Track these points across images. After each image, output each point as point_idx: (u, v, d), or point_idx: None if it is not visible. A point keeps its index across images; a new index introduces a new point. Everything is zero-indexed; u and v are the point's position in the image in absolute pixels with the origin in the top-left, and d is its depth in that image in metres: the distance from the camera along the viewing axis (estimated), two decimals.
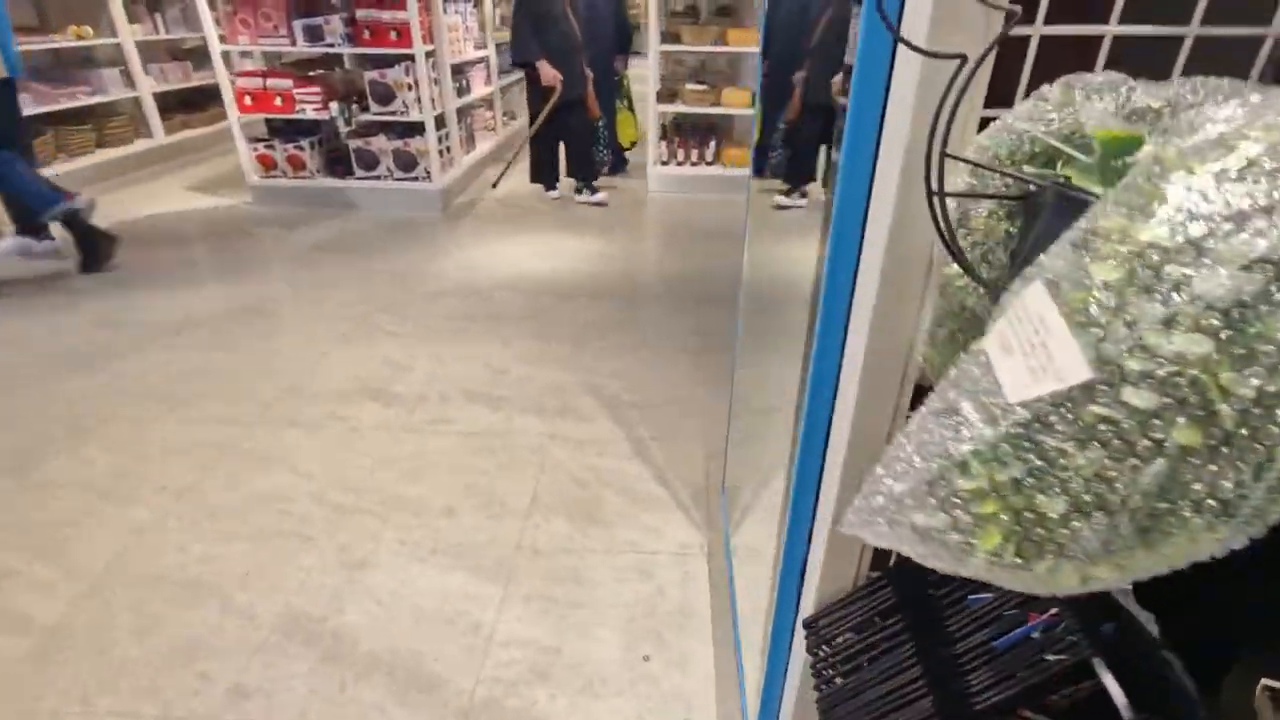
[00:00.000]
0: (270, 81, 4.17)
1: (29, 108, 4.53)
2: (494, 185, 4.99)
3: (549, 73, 4.13)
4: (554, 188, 4.75)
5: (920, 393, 0.68)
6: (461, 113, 4.94)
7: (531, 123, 4.43)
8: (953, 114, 0.46)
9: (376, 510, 1.91)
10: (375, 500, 1.94)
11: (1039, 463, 0.27)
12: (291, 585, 1.67)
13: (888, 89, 0.58)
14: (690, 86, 4.81)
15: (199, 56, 6.25)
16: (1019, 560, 0.29)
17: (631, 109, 5.39)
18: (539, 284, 3.38)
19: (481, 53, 5.38)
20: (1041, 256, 0.31)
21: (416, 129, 4.32)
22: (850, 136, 0.62)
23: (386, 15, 3.98)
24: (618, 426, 2.30)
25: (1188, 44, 0.50)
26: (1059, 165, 0.47)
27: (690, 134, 5.04)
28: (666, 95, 4.82)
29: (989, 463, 0.29)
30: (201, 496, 1.95)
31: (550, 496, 1.97)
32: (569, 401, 2.43)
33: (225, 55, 4.21)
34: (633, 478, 2.06)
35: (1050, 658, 0.56)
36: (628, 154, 5.46)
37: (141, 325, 2.91)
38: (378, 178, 4.45)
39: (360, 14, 4.02)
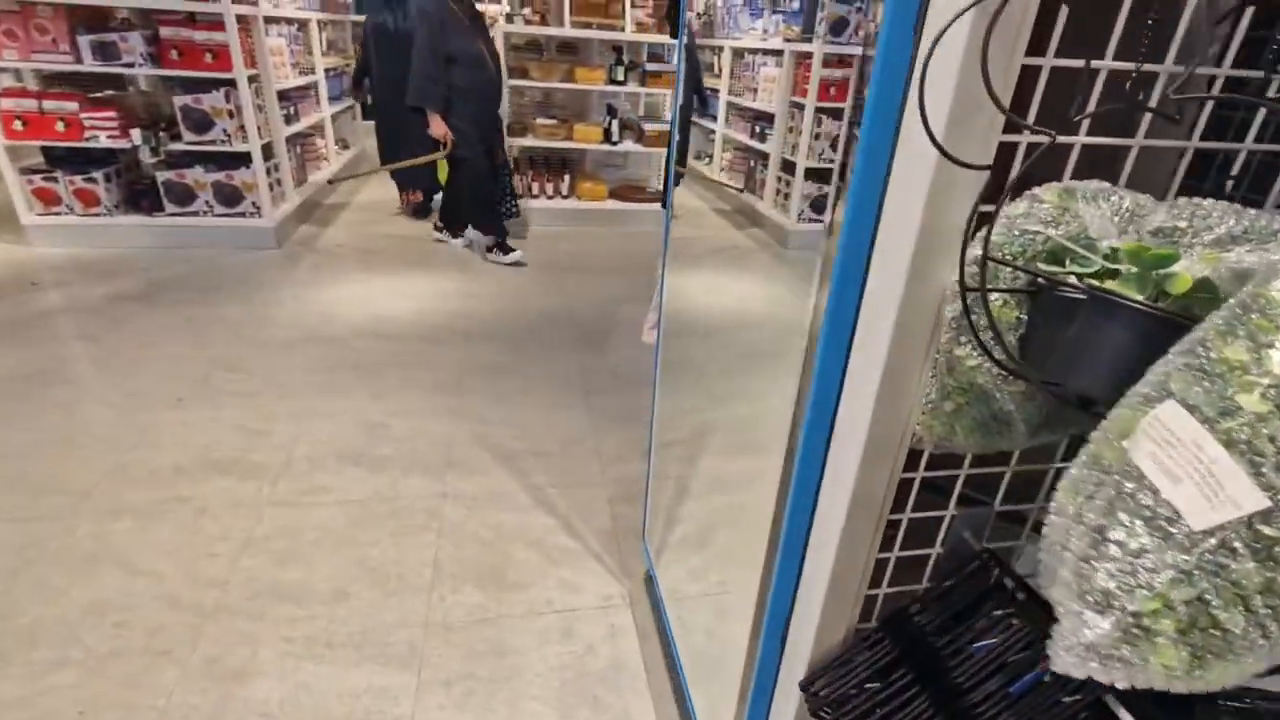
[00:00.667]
0: (50, 104, 3.54)
1: None
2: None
3: (440, 128, 3.75)
4: (460, 236, 4.40)
5: (913, 457, 0.72)
6: (291, 141, 4.53)
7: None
8: (983, 218, 0.50)
9: (248, 606, 1.65)
10: (245, 594, 1.69)
11: (1222, 582, 0.30)
12: (148, 718, 1.39)
13: (888, 173, 0.61)
14: (541, 121, 4.81)
15: None
16: (1196, 672, 0.31)
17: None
18: (404, 328, 3.17)
19: (309, 78, 4.99)
20: (1153, 376, 0.35)
21: (241, 159, 3.88)
22: (853, 210, 0.65)
23: (200, 35, 3.56)
24: (513, 477, 2.21)
25: (1132, 155, 0.59)
26: (1066, 263, 0.52)
27: (543, 168, 5.04)
28: (518, 129, 4.78)
29: (1178, 585, 0.31)
30: (3, 619, 1.57)
31: (454, 563, 1.84)
32: (457, 454, 2.29)
33: None
34: (539, 530, 1.98)
35: (1066, 699, 0.61)
36: None
37: None
38: (195, 213, 3.93)
39: (166, 32, 3.56)
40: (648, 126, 4.90)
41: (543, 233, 4.78)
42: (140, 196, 3.91)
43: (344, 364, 2.79)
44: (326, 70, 5.31)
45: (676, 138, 1.47)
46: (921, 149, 0.55)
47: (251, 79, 3.77)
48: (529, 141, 4.79)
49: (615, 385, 2.82)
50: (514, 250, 4.12)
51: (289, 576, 1.75)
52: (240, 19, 3.63)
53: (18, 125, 3.54)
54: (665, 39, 4.85)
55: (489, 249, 4.18)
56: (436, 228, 4.48)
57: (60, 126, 3.58)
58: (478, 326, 3.25)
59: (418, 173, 4.49)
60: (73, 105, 3.58)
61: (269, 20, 4.18)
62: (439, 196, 4.49)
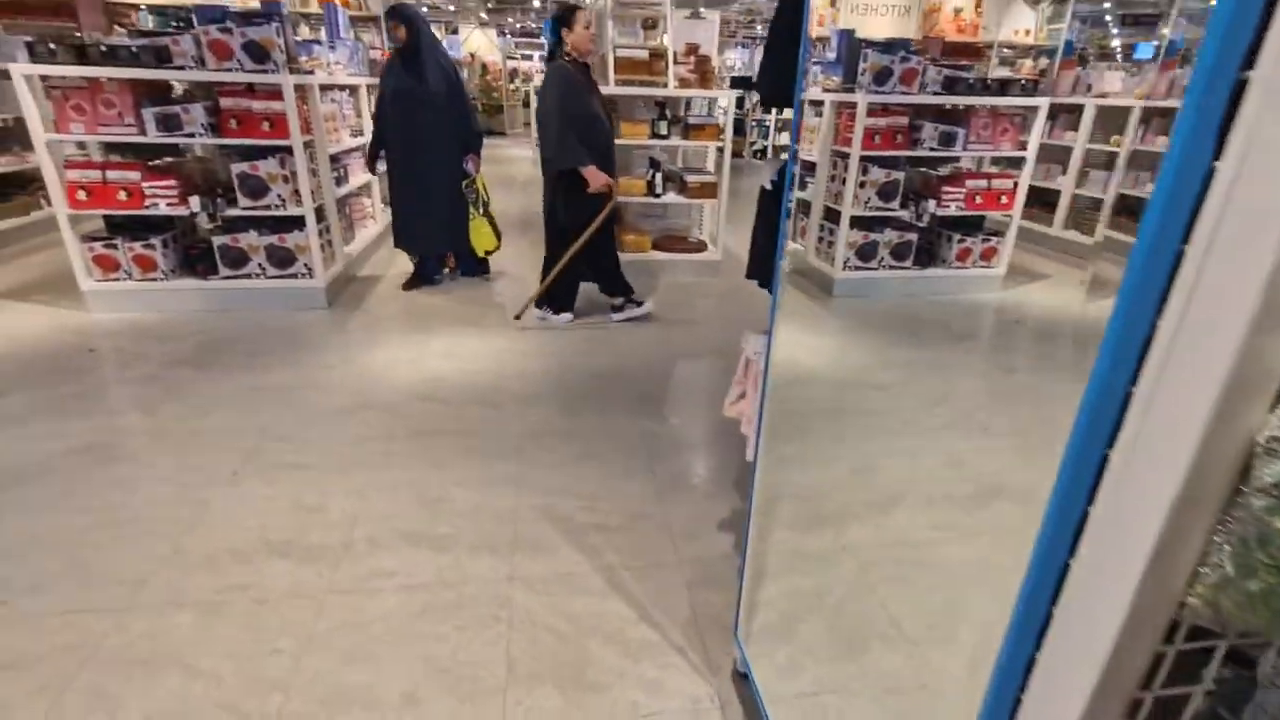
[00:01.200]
0: (113, 174, 3.63)
1: None
2: (517, 317, 4.03)
3: (600, 178, 3.55)
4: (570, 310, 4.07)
5: (1181, 632, 0.58)
6: (340, 202, 4.60)
7: (572, 235, 3.72)
8: None
9: (316, 714, 1.53)
10: (310, 699, 1.57)
11: None
12: None
13: (1178, 260, 0.49)
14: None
15: (6, 139, 5.41)
16: None
17: (489, 214, 4.43)
18: (457, 390, 3.10)
19: (359, 139, 5.10)
20: None
21: (294, 223, 3.93)
22: (1130, 297, 0.53)
23: (259, 105, 3.64)
24: (583, 556, 2.07)
25: None
26: None
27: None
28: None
29: None
30: None
31: (528, 659, 1.70)
32: (523, 531, 2.17)
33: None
34: (615, 620, 1.84)
35: None
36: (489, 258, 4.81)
37: None
38: (248, 275, 3.96)
39: (226, 103, 3.64)
40: (690, 178, 4.88)
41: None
42: (195, 261, 3.96)
43: (398, 431, 2.72)
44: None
45: (789, 205, 1.31)
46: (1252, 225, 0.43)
47: (306, 144, 3.84)
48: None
49: (677, 450, 2.70)
50: (645, 300, 4.06)
51: (355, 679, 1.62)
52: (297, 88, 3.70)
53: (81, 195, 3.62)
54: (707, 93, 4.86)
55: (617, 307, 4.05)
56: (538, 306, 4.03)
57: (122, 195, 3.66)
58: (531, 388, 3.17)
59: (438, 234, 4.46)
60: (134, 174, 3.66)
61: (323, 87, 4.28)
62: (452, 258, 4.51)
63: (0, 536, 2.05)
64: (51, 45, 3.35)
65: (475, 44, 21.26)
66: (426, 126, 4.11)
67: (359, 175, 5.08)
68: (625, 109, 5.05)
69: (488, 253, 4.51)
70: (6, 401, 2.84)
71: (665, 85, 4.58)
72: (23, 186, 5.51)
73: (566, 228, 3.69)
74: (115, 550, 2.01)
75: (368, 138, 5.27)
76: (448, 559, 2.03)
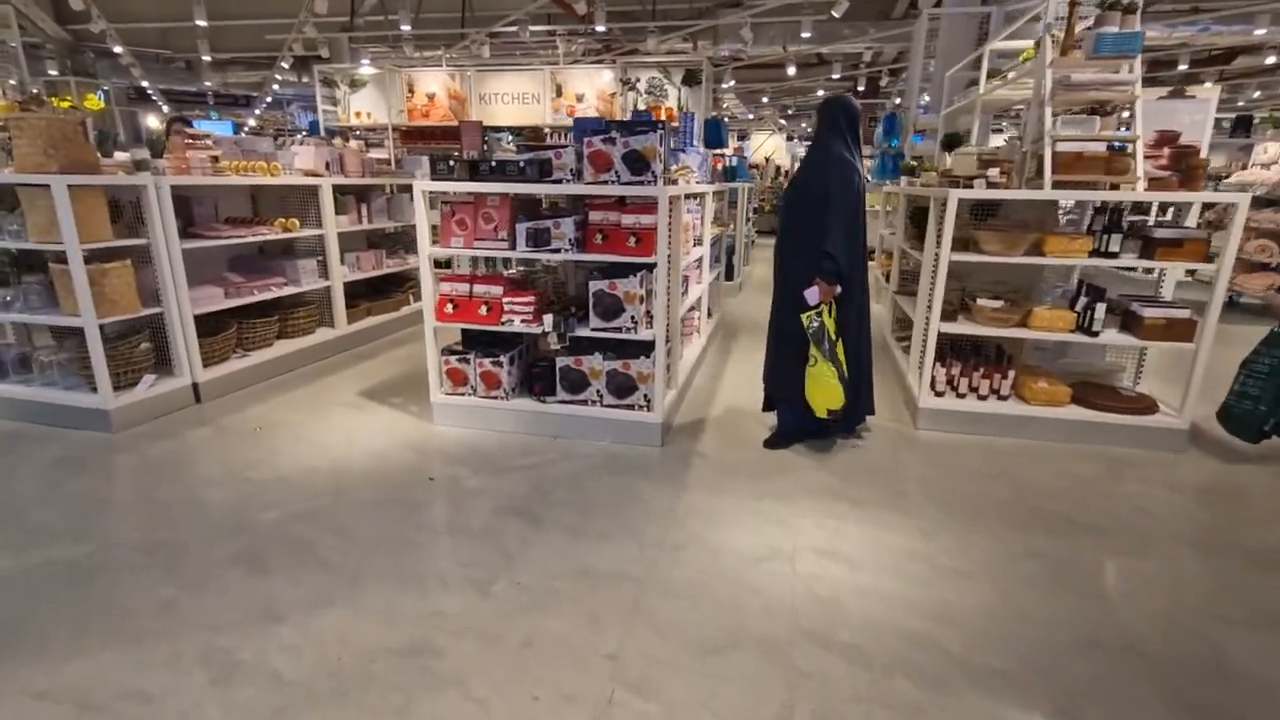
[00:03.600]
0: (480, 288, 3.48)
1: (220, 302, 4.13)
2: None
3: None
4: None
5: None
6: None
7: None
8: None
9: None
10: None
11: None
12: None
13: None
14: (984, 302, 3.68)
15: (390, 241, 6.06)
16: None
17: (837, 358, 3.23)
18: (861, 630, 2.08)
19: (699, 250, 4.64)
20: None
21: (641, 348, 3.41)
22: None
23: (628, 219, 3.24)
24: None
25: None
26: None
27: (971, 356, 3.85)
28: (948, 311, 3.71)
29: None
30: None
31: None
32: None
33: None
34: None
35: None
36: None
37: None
38: (584, 402, 3.52)
39: (595, 217, 3.31)
40: (1148, 312, 3.43)
41: (971, 442, 3.50)
42: (534, 380, 3.65)
43: (795, 700, 1.77)
44: (711, 241, 4.98)
45: None
46: None
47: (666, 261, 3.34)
48: (960, 327, 3.66)
49: None
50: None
51: None
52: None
53: (449, 308, 3.52)
54: (1191, 196, 3.45)
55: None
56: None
57: (483, 310, 3.48)
58: (979, 644, 2.03)
59: (772, 373, 3.63)
60: (497, 289, 3.47)
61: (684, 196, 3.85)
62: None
63: None
64: (450, 161, 3.32)
65: (769, 148, 21.72)
66: (786, 236, 3.39)
67: (694, 289, 4.58)
68: (1046, 218, 3.85)
69: (831, 413, 3.31)
70: (333, 543, 2.55)
71: (1133, 186, 3.30)
72: (399, 285, 6.11)
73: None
74: None
75: (705, 249, 4.81)
76: None
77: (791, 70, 11.39)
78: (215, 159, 4.35)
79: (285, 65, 11.73)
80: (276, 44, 11.27)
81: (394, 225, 5.84)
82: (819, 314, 3.20)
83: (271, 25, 11.21)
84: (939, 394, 3.77)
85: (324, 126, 10.89)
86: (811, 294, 3.19)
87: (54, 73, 13.12)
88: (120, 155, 3.92)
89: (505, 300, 3.44)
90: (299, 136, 8.99)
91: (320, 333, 5.08)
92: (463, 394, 3.66)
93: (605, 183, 3.21)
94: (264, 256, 4.90)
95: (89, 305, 3.34)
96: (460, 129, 7.65)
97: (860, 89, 14.81)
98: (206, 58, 12.34)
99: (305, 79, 13.25)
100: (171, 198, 3.71)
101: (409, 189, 6.20)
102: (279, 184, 4.59)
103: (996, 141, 8.36)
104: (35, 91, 8.78)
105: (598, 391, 3.50)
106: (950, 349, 3.85)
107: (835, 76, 12.60)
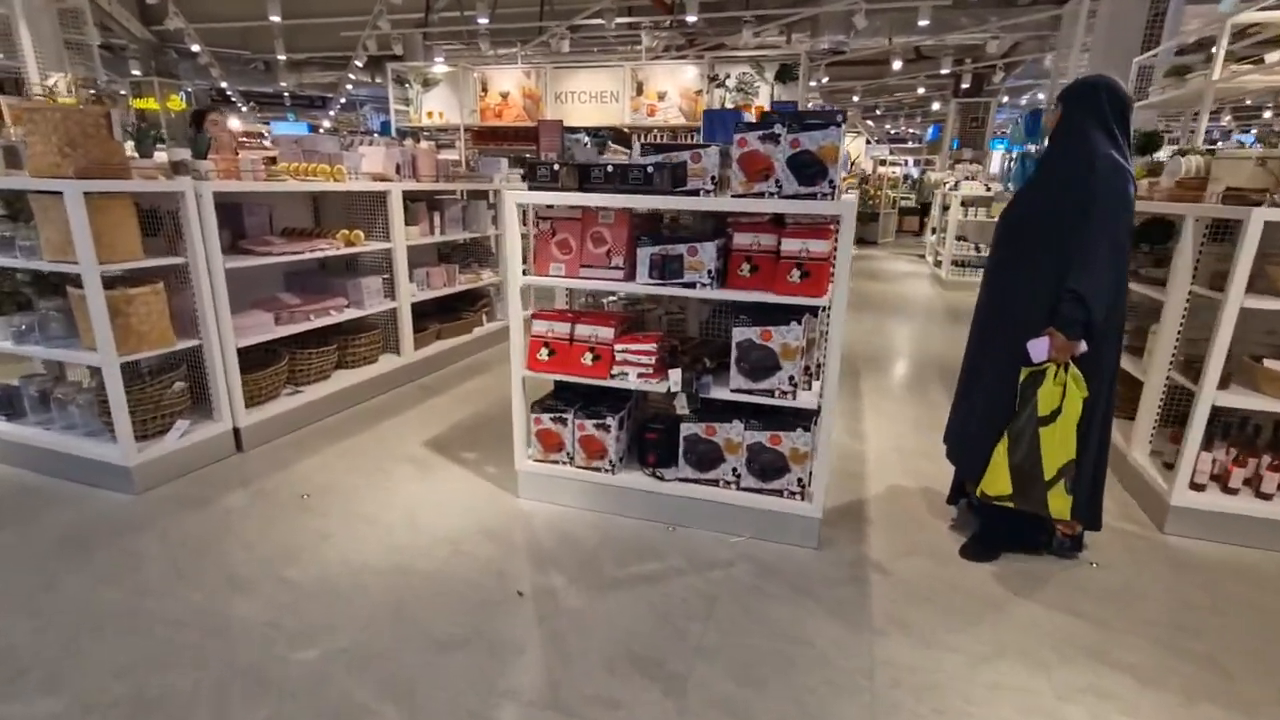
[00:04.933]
0: (584, 329, 2.68)
1: (270, 330, 3.48)
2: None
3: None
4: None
5: None
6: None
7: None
8: None
9: None
10: None
11: None
12: None
13: None
14: (1271, 364, 2.65)
15: (461, 254, 5.37)
16: None
17: (1033, 435, 2.34)
18: None
19: None
20: None
21: (798, 418, 2.54)
22: None
23: (790, 245, 2.37)
24: None
25: None
26: None
27: (1248, 436, 2.82)
28: (1222, 376, 2.69)
29: None
30: None
31: None
32: None
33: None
34: None
35: None
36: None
37: None
38: (714, 483, 2.68)
39: (741, 240, 2.46)
40: None
41: (1236, 567, 2.48)
42: (647, 448, 2.82)
43: None
44: None
45: None
46: None
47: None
48: (1243, 398, 2.64)
49: None
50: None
51: None
52: (835, 220, 2.37)
53: (543, 354, 2.73)
54: None
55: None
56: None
57: (588, 359, 2.68)
58: None
59: (954, 440, 2.66)
60: (607, 332, 2.66)
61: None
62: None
63: None
64: (552, 164, 2.53)
65: (852, 151, 20.50)
66: (1005, 265, 2.45)
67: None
68: None
69: (984, 495, 2.42)
70: (393, 718, 1.77)
71: None
72: (471, 303, 5.41)
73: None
74: None
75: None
76: None
77: (897, 65, 10.28)
78: (271, 160, 3.71)
79: (359, 64, 11.39)
80: (351, 42, 10.92)
81: (467, 235, 5.14)
82: (1042, 373, 2.27)
83: (347, 23, 10.86)
84: (1198, 487, 2.76)
85: (395, 126, 10.46)
86: (1038, 348, 2.26)
87: (137, 73, 13.21)
88: (160, 156, 3.31)
89: (618, 347, 2.63)
90: (370, 137, 8.50)
91: (383, 361, 4.41)
92: (556, 461, 2.86)
93: (765, 194, 2.35)
94: (325, 273, 4.26)
95: (108, 339, 2.71)
96: (539, 128, 6.91)
97: (965, 86, 13.51)
98: (281, 57, 12.14)
99: (379, 79, 12.95)
100: (215, 207, 3.07)
101: (484, 195, 5.50)
102: (344, 190, 3.92)
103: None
104: (105, 85, 8.56)
105: (734, 470, 2.64)
106: (1215, 425, 2.82)
107: (945, 72, 11.39)
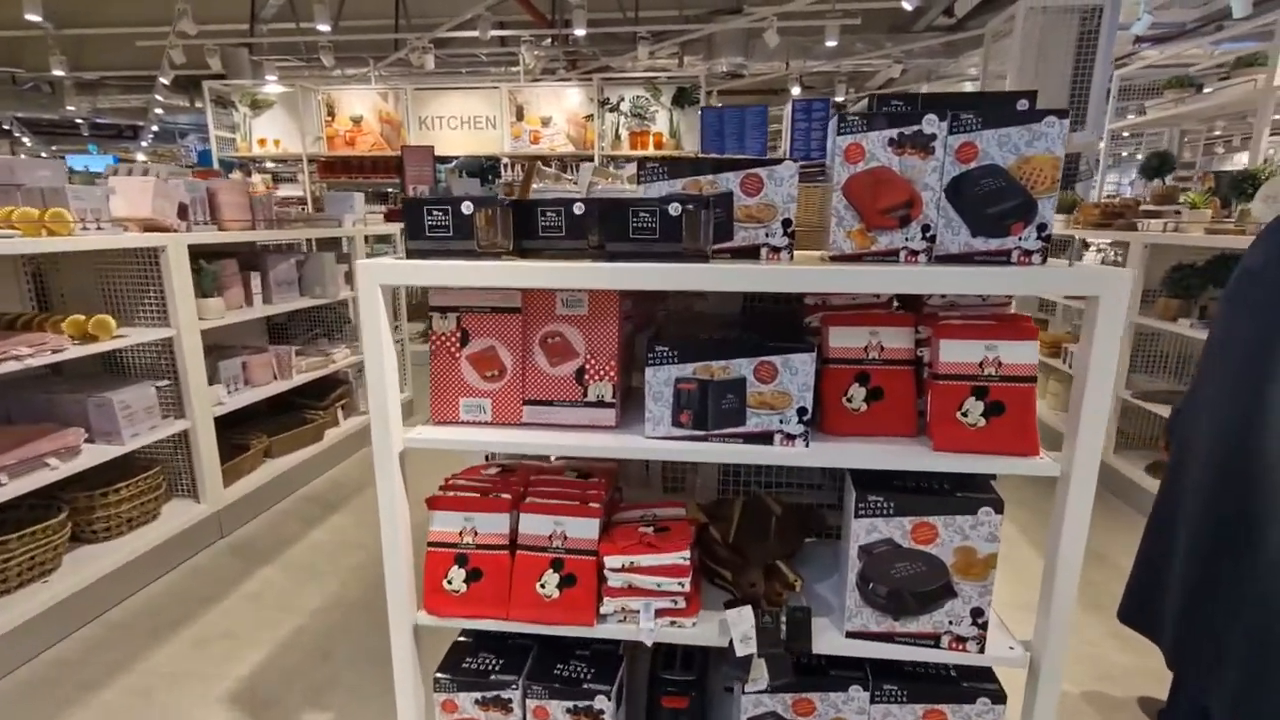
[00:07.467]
0: (534, 522, 1.33)
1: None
2: None
3: None
4: None
5: None
6: None
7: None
8: None
9: None
10: None
11: None
12: None
13: None
14: None
15: (304, 326, 3.79)
16: None
17: None
18: None
19: None
20: None
21: (978, 679, 1.35)
22: None
23: (964, 350, 1.20)
24: None
25: None
26: None
27: None
28: None
29: None
30: None
31: None
32: None
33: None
34: None
35: None
36: None
37: None
38: None
39: (843, 339, 1.26)
40: None
41: None
42: None
43: None
44: None
45: None
46: None
47: None
48: None
49: None
50: None
51: None
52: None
53: (454, 580, 1.34)
54: None
55: None
56: None
57: (547, 584, 1.31)
58: None
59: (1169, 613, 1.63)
60: (585, 527, 1.33)
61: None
62: None
63: None
64: (464, 206, 1.19)
65: None
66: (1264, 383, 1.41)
67: None
68: None
69: None
70: None
71: None
72: (320, 396, 3.80)
73: None
74: None
75: None
76: None
77: (796, 91, 9.76)
78: None
79: (165, 82, 9.25)
80: (152, 56, 8.80)
81: (310, 302, 3.58)
82: None
83: (143, 33, 8.74)
84: None
85: (218, 157, 8.47)
86: None
87: None
88: None
89: (611, 561, 1.30)
90: (187, 173, 6.53)
91: (170, 512, 2.76)
92: None
93: (903, 252, 1.16)
94: (58, 384, 2.57)
95: None
96: (403, 156, 5.52)
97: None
98: (59, 73, 9.67)
99: (199, 104, 10.74)
100: None
101: (334, 244, 3.98)
102: (76, 249, 2.30)
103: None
104: None
105: None
106: None
107: (840, 99, 11.12)
